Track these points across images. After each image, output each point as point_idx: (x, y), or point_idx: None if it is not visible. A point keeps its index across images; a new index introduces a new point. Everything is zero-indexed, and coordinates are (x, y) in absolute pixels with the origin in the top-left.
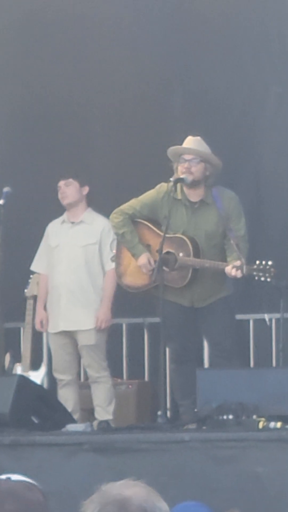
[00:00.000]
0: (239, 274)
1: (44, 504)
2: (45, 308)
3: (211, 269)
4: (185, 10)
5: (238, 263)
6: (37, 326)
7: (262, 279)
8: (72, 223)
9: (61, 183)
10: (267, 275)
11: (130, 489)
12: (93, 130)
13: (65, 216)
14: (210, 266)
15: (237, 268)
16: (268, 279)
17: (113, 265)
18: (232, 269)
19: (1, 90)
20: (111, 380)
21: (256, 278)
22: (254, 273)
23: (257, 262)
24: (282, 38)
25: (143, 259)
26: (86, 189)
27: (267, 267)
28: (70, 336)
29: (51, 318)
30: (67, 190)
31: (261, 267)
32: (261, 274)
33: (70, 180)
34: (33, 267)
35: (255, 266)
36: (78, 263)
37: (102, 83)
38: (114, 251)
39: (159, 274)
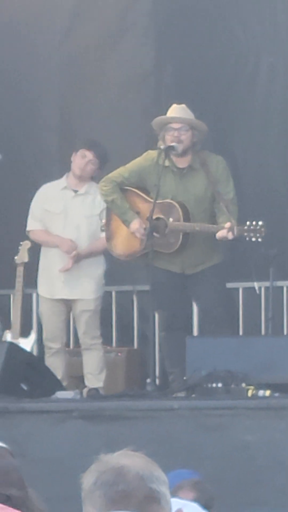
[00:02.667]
0: (230, 235)
1: (16, 467)
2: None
3: (202, 233)
4: None
5: (228, 224)
6: (66, 248)
7: (253, 239)
8: (75, 191)
9: (89, 155)
10: (258, 235)
11: (128, 458)
12: (82, 96)
13: (65, 182)
14: (201, 230)
15: (228, 229)
16: (259, 239)
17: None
18: (224, 231)
19: None
20: (103, 348)
21: (247, 238)
22: (245, 233)
23: (248, 222)
24: (273, 6)
25: (135, 224)
26: (98, 172)
27: (258, 227)
28: (66, 303)
29: (48, 283)
30: (89, 166)
31: (252, 227)
32: (252, 234)
33: (97, 161)
34: (30, 227)
35: (245, 227)
36: (83, 233)
37: (95, 53)
38: (104, 220)
39: (150, 241)
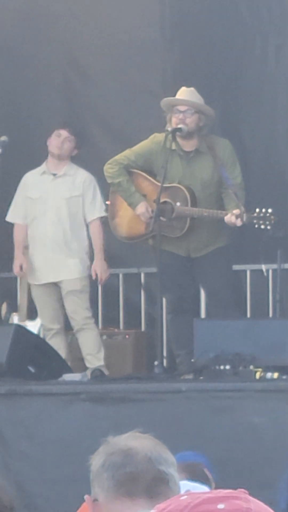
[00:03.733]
0: (239, 222)
1: None
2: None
3: (210, 218)
4: None
5: (237, 211)
6: (16, 271)
7: (262, 227)
8: (54, 175)
9: (64, 133)
10: (267, 222)
11: (136, 440)
12: (88, 78)
13: (44, 167)
14: (209, 215)
15: (237, 216)
16: (268, 227)
17: (95, 215)
18: (232, 217)
19: None
20: (97, 327)
21: (256, 226)
22: (254, 221)
23: (257, 210)
24: None
25: (142, 207)
26: (76, 152)
27: (267, 214)
28: (55, 285)
29: (34, 269)
30: (65, 144)
31: (261, 214)
32: (261, 222)
33: (73, 137)
34: (8, 218)
35: (255, 214)
36: (62, 215)
37: (100, 32)
38: (108, 202)
39: (156, 224)
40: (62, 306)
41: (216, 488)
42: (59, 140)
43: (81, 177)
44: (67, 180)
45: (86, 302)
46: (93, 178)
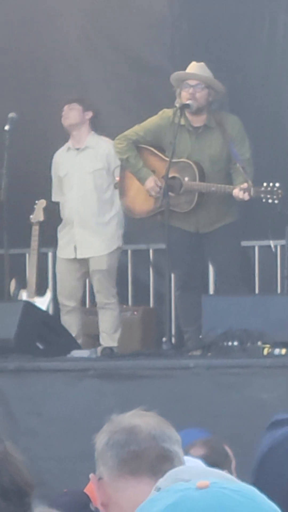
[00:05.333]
0: (246, 196)
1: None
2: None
3: (218, 193)
4: None
5: (245, 185)
6: None
7: (270, 201)
8: (77, 149)
9: (65, 107)
10: (274, 197)
11: (140, 418)
12: (97, 56)
13: (69, 143)
14: (217, 190)
15: (245, 190)
16: (276, 201)
17: None
18: (240, 192)
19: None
20: (118, 308)
21: (264, 200)
22: (262, 195)
23: (265, 184)
24: None
25: (150, 182)
26: (89, 114)
27: (275, 189)
28: (81, 262)
29: (64, 244)
30: (70, 112)
31: (269, 189)
32: (268, 196)
33: (74, 104)
34: (54, 198)
35: (262, 188)
36: (88, 189)
37: (109, 8)
38: (117, 178)
39: (165, 199)
40: (81, 285)
41: None
42: (65, 113)
43: (103, 149)
44: (90, 153)
45: (112, 280)
46: None
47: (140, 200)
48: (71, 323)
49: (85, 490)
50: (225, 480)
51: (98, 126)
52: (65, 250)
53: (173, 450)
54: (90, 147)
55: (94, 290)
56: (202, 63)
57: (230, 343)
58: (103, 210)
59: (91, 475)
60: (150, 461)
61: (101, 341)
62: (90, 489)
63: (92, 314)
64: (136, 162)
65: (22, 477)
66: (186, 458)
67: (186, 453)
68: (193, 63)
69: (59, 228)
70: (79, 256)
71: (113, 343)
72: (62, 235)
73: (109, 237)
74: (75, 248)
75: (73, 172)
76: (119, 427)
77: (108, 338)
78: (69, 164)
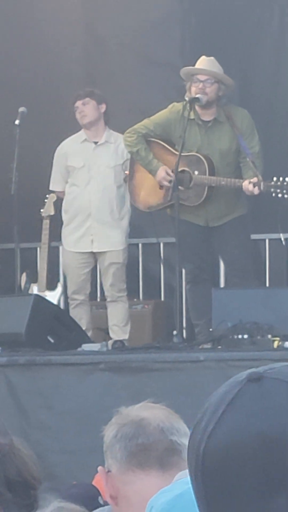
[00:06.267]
0: (256, 190)
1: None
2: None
3: (227, 187)
4: None
5: (255, 179)
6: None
7: (280, 195)
8: (95, 143)
9: (79, 103)
10: (284, 191)
11: (149, 410)
12: (106, 49)
13: (84, 135)
14: (226, 184)
15: (255, 184)
16: (286, 196)
17: None
18: (250, 185)
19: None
20: (128, 301)
21: (274, 194)
22: (272, 189)
23: (274, 178)
24: None
25: (162, 172)
26: (103, 107)
27: (285, 183)
28: (92, 256)
29: (75, 236)
30: (85, 108)
31: (278, 183)
32: (278, 190)
33: (87, 99)
34: (52, 187)
35: (272, 183)
36: (108, 184)
37: (119, 4)
38: (127, 172)
39: (175, 193)
40: (89, 279)
41: None
42: (78, 112)
43: (122, 145)
44: (110, 148)
45: (124, 274)
46: None
47: (149, 194)
48: (80, 316)
49: (93, 483)
50: None
51: (110, 119)
52: (78, 243)
53: (181, 443)
54: (110, 142)
55: (107, 283)
56: (212, 58)
57: (240, 336)
58: (120, 204)
59: (99, 468)
60: (158, 454)
61: (111, 334)
62: (99, 481)
63: (102, 308)
64: (147, 154)
65: (29, 470)
66: None
67: None
68: (203, 58)
69: (65, 220)
70: (96, 250)
71: (125, 336)
72: (73, 228)
73: (124, 231)
74: (92, 241)
75: (91, 165)
76: (127, 420)
77: (120, 331)
78: (86, 156)
